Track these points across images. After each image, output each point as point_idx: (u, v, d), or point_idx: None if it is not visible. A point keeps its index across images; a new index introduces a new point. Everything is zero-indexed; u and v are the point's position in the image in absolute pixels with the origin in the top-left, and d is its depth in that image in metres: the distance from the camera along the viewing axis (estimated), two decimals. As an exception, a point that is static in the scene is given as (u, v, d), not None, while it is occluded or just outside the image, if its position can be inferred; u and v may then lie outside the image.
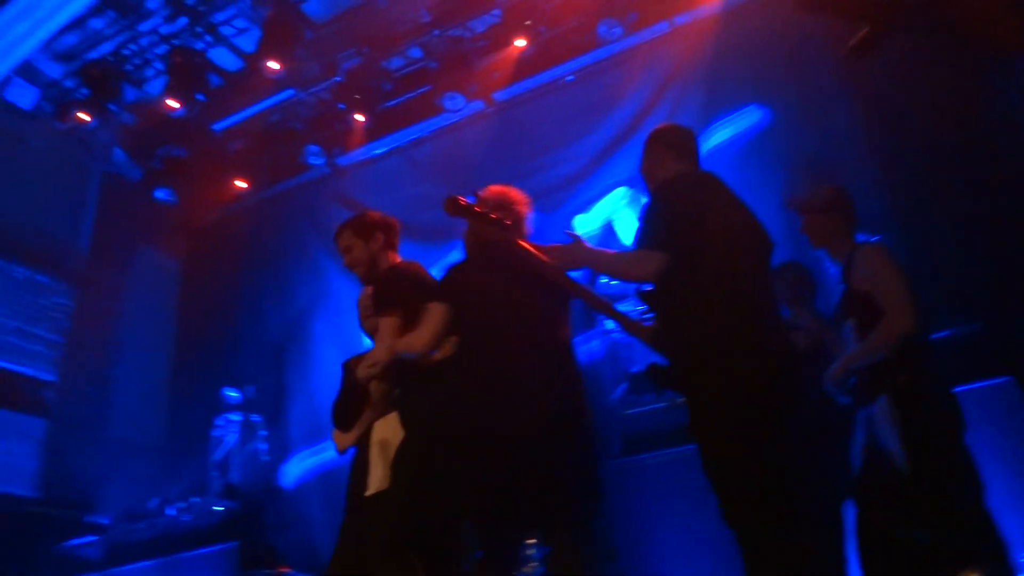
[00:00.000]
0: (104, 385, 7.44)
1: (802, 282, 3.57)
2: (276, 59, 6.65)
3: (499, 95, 7.28)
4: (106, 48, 7.05)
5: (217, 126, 8.02)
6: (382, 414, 2.90)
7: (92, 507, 6.58)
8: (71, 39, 6.97)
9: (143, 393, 7.76)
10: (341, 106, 7.41)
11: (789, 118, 5.87)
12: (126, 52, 7.08)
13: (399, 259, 3.14)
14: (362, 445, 2.94)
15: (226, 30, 7.00)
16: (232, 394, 6.83)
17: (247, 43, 7.10)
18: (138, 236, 8.26)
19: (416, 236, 6.83)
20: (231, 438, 6.66)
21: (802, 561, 2.13)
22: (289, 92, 7.52)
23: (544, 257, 2.63)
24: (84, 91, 7.10)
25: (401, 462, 2.67)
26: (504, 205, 2.88)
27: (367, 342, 3.17)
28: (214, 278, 8.23)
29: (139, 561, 5.59)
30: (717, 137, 6.17)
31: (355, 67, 7.21)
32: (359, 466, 2.90)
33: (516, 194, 2.97)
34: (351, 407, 3.00)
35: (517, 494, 2.50)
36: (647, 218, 2.56)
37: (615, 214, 6.46)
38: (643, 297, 2.52)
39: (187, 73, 6.97)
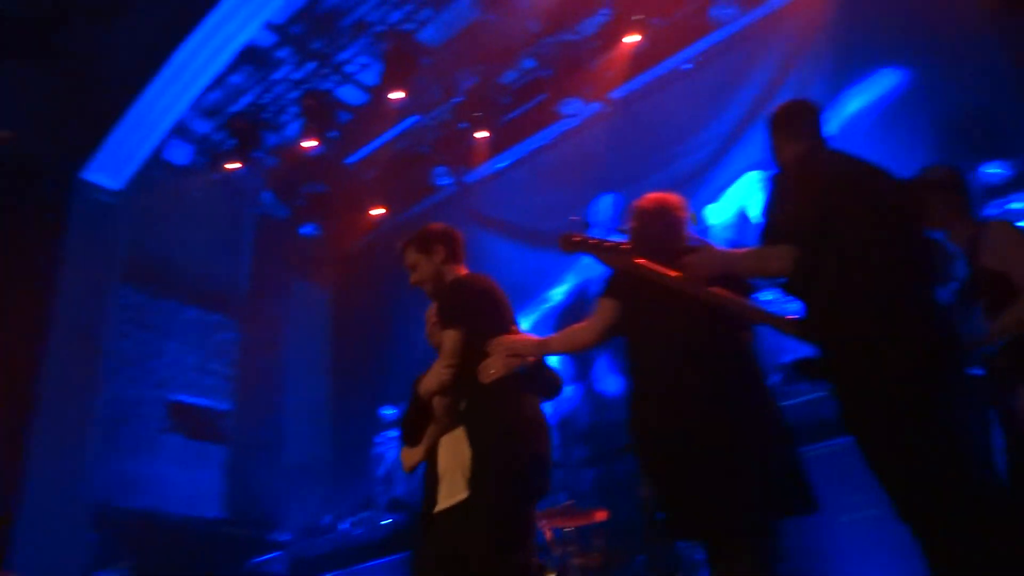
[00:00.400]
0: (274, 411, 8.01)
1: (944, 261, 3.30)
2: (398, 88, 6.94)
3: (616, 93, 7.23)
4: (246, 100, 7.60)
5: (351, 159, 8.45)
6: (447, 429, 2.82)
7: (273, 525, 7.09)
8: (215, 96, 7.56)
9: (308, 416, 8.28)
10: (463, 125, 7.62)
11: (932, 78, 5.46)
12: (263, 101, 7.60)
13: (465, 271, 3.04)
14: (430, 461, 2.86)
15: (350, 68, 7.37)
16: (388, 412, 7.16)
17: (370, 77, 7.44)
18: (290, 270, 8.84)
19: (546, 244, 6.91)
20: (391, 454, 6.97)
21: (996, 554, 1.96)
22: (414, 118, 7.82)
23: (673, 272, 2.55)
24: (231, 142, 7.69)
25: (484, 475, 2.61)
26: (662, 212, 2.82)
27: None
28: (362, 303, 8.66)
29: (321, 574, 5.96)
30: (852, 105, 5.84)
31: (473, 86, 7.40)
32: (428, 483, 2.83)
33: (673, 199, 2.87)
34: (416, 423, 2.95)
35: (671, 498, 2.49)
36: (770, 209, 2.47)
37: (747, 201, 6.25)
38: (787, 290, 2.43)
39: (319, 113, 7.41)
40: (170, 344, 7.42)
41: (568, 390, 6.49)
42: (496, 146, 7.79)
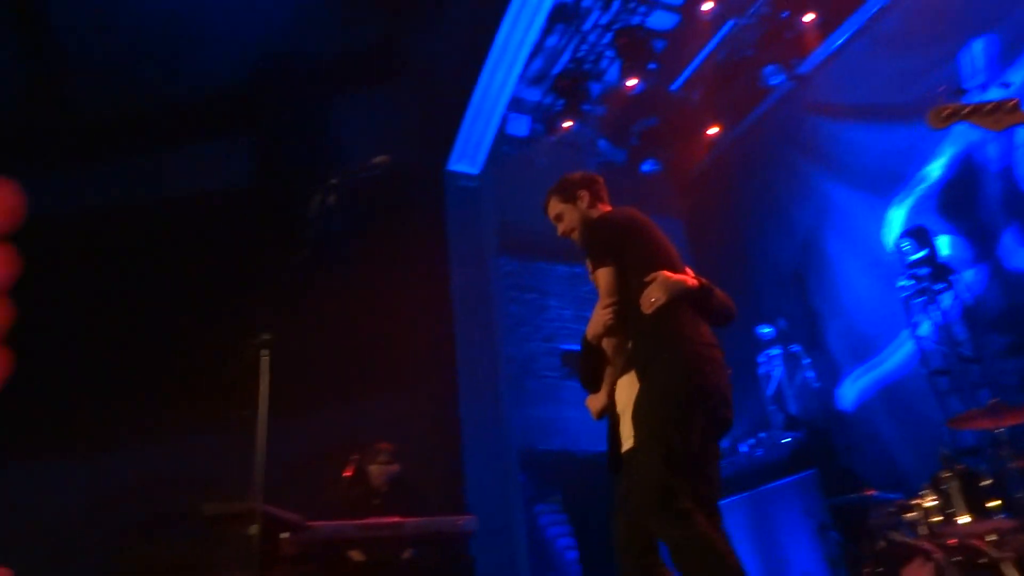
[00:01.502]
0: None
1: None
2: (707, -1, 6.63)
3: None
4: (565, 58, 7.89)
5: (675, 85, 8.31)
6: (623, 370, 2.63)
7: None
8: (537, 64, 7.98)
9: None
10: (785, 14, 7.02)
11: None
12: (580, 54, 7.81)
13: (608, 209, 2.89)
14: (611, 403, 2.71)
15: (653, -6, 7.22)
16: (765, 330, 6.99)
17: (675, -3, 7.22)
18: (641, 209, 9.01)
19: (908, 118, 6.10)
20: (777, 372, 6.82)
21: None
22: (730, 24, 7.41)
23: None
24: (560, 102, 8.06)
25: (640, 414, 2.44)
26: None
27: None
28: (716, 225, 8.53)
29: (728, 496, 6.10)
30: None
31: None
32: (611, 424, 2.69)
33: None
34: (590, 368, 2.81)
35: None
36: None
37: None
38: None
39: (634, 49, 7.40)
40: (550, 301, 8.12)
41: (968, 274, 5.70)
42: (826, 25, 7.04)
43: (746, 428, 6.69)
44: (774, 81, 7.52)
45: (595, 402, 2.78)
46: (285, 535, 3.67)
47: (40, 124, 6.57)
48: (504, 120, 8.01)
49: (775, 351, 6.87)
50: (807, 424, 6.30)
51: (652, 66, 7.72)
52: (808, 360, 6.72)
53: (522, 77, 7.82)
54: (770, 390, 6.82)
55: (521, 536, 6.48)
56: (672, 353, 2.45)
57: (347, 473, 4.57)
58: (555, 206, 2.96)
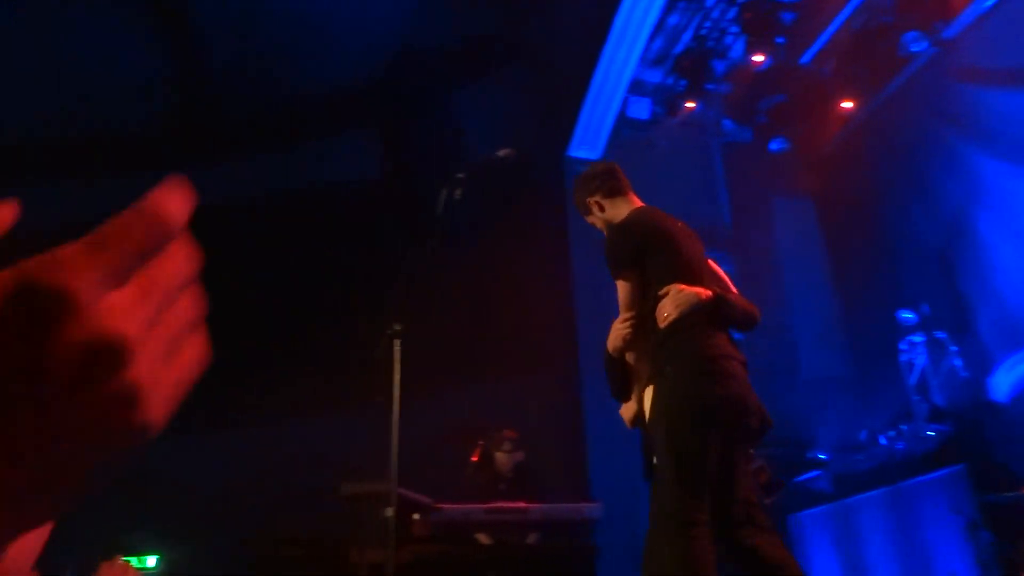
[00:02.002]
0: (784, 332, 8.01)
1: None
2: (840, -35, 6.26)
3: None
4: (687, 37, 7.68)
5: (804, 58, 7.92)
6: (647, 380, 2.57)
7: (807, 444, 7.12)
8: (658, 44, 7.80)
9: (821, 332, 8.08)
10: (928, -25, 6.53)
11: None
12: (703, 32, 7.58)
13: (633, 205, 2.76)
14: (641, 412, 2.63)
15: (781, -36, 6.90)
16: (907, 316, 6.57)
17: (806, -35, 6.85)
18: (769, 190, 8.70)
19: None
20: (921, 360, 6.40)
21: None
22: (865, -11, 6.98)
23: None
24: (683, 83, 7.86)
25: (653, 433, 2.42)
26: None
27: None
28: (850, 204, 8.09)
29: (867, 491, 5.81)
30: None
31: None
32: (645, 435, 2.61)
33: None
34: (618, 378, 2.74)
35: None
36: None
37: None
38: None
39: (760, 23, 7.11)
40: (673, 286, 7.95)
41: None
42: (978, -16, 6.50)
43: (886, 419, 6.33)
44: (916, 48, 7.01)
45: (627, 411, 2.77)
46: (416, 516, 3.79)
47: (187, 124, 7.05)
48: (624, 103, 7.90)
49: (918, 338, 6.44)
50: (955, 416, 5.89)
51: (780, 40, 7.40)
52: (955, 348, 6.27)
53: (642, 59, 7.69)
54: (913, 379, 6.41)
55: (646, 524, 6.42)
56: (679, 368, 2.43)
57: (473, 458, 4.67)
58: (579, 204, 2.89)
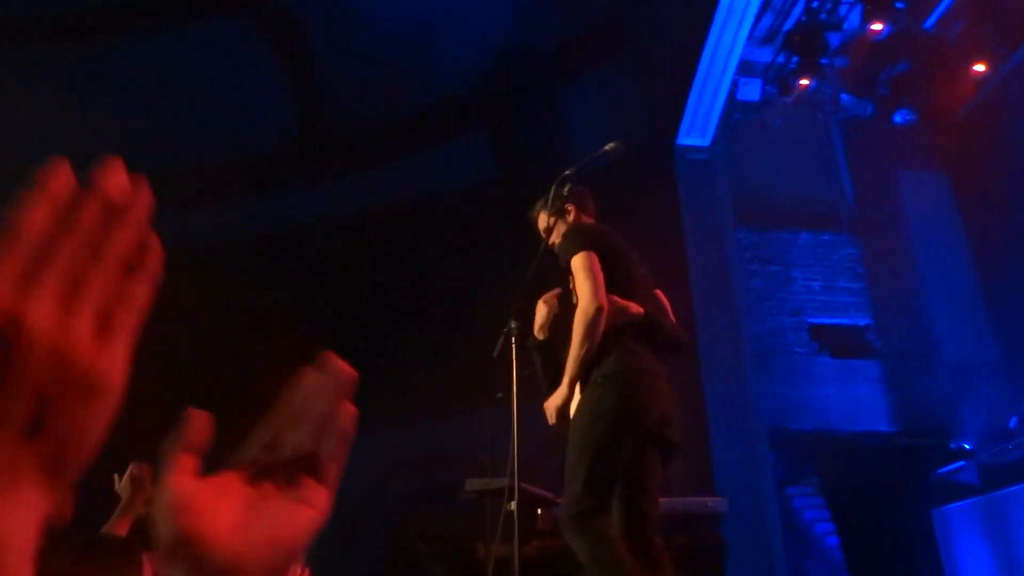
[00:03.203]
0: (919, 316, 7.56)
1: None
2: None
3: None
4: (797, 11, 7.36)
5: (928, 22, 7.43)
6: (578, 385, 2.87)
7: (951, 433, 6.69)
8: (766, 21, 7.53)
9: (961, 315, 7.57)
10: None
11: None
12: (814, 4, 7.25)
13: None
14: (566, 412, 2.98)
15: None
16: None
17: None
18: (894, 165, 8.23)
19: None
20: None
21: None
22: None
23: None
24: (795, 60, 7.54)
25: (573, 436, 2.65)
26: None
27: None
28: (992, 178, 7.54)
29: (1018, 483, 5.39)
30: None
31: None
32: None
33: None
34: (550, 367, 3.01)
35: None
36: None
37: None
38: None
39: (878, -11, 6.73)
40: (795, 272, 7.67)
41: None
42: None
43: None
44: (1057, 2, 6.45)
45: (554, 404, 2.88)
46: (540, 511, 3.84)
47: (308, 141, 7.40)
48: (734, 86, 7.67)
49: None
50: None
51: (900, 4, 6.97)
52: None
53: (750, 38, 7.43)
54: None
55: (774, 519, 6.23)
56: (609, 379, 2.59)
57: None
58: (545, 219, 3.02)
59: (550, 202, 2.98)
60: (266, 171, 7.17)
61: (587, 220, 3.02)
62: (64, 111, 6.03)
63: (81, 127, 6.10)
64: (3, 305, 0.38)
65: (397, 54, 6.99)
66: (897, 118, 7.76)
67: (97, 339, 0.40)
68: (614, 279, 2.69)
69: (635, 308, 2.67)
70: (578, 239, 2.74)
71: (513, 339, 2.66)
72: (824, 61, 7.59)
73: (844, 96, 8.21)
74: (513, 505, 2.41)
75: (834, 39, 7.55)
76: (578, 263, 2.66)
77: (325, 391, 0.55)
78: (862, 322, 7.52)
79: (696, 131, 7.65)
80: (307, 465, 0.55)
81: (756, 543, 5.84)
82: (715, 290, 6.95)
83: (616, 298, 2.64)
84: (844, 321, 7.51)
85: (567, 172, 2.64)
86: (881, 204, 7.98)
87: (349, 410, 0.57)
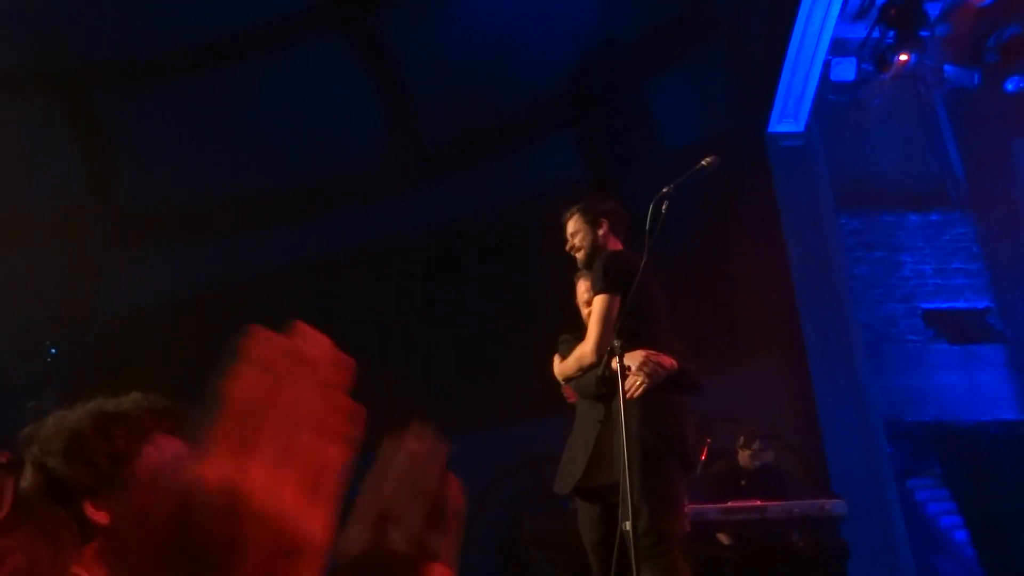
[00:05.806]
0: None
1: None
2: None
3: None
4: (891, -17, 7.04)
5: (1038, -20, 6.98)
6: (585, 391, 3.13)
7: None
8: (858, -3, 7.24)
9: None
10: None
11: None
12: (911, -25, 6.92)
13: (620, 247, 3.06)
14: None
15: None
16: None
17: None
18: (1009, 135, 7.75)
19: None
20: None
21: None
22: None
23: None
24: (891, 34, 7.22)
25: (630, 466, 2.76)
26: None
27: None
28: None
29: None
30: None
31: None
32: (571, 444, 3.29)
33: None
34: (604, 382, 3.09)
35: None
36: None
37: None
38: None
39: (981, -47, 6.36)
40: (903, 256, 7.34)
41: None
42: None
43: None
44: None
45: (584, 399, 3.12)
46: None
47: (398, 154, 7.59)
48: (827, 66, 7.40)
49: None
50: None
51: (1005, -34, 6.57)
52: None
53: (842, 14, 7.16)
54: None
55: (896, 514, 6.00)
56: (663, 440, 2.77)
57: (702, 456, 4.64)
58: (576, 223, 3.06)
59: (589, 206, 3.07)
60: (361, 186, 7.39)
61: (615, 243, 3.05)
62: (183, 141, 6.46)
63: (199, 154, 6.50)
64: (222, 475, 0.40)
65: (483, 66, 7.08)
66: (1009, 86, 7.31)
67: (304, 502, 0.41)
68: (641, 314, 2.80)
69: (668, 362, 2.79)
70: (611, 276, 2.83)
71: (616, 356, 2.65)
72: (924, 33, 7.23)
73: (948, 67, 7.79)
74: (628, 525, 2.42)
75: (933, 8, 7.19)
76: (600, 304, 2.81)
77: (427, 461, 0.54)
78: (981, 304, 7.12)
79: (789, 116, 7.43)
80: (426, 556, 0.53)
81: (879, 541, 5.66)
82: (818, 280, 6.75)
83: (650, 354, 2.77)
84: (961, 305, 7.13)
85: (665, 190, 2.63)
86: (995, 178, 7.54)
87: (456, 485, 0.56)
